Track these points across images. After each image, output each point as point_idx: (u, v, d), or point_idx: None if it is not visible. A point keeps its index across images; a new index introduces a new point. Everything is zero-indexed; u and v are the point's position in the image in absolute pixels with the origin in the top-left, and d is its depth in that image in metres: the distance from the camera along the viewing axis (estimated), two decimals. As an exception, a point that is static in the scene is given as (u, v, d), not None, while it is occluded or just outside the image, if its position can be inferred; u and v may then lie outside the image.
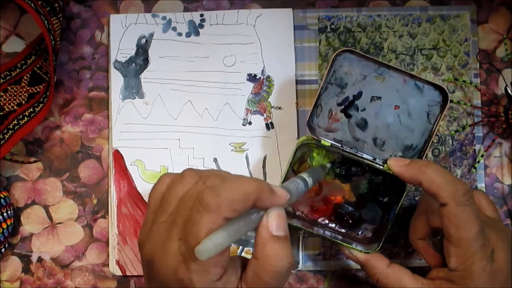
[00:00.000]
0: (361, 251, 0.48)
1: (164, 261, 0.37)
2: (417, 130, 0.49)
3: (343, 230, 0.51)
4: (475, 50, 0.56)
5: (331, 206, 0.51)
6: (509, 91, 0.54)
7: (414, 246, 0.49)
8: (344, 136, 0.50)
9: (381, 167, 0.48)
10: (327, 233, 0.50)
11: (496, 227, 0.46)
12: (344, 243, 0.48)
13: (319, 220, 0.51)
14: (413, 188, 0.55)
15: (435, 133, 0.49)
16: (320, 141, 0.49)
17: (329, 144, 0.49)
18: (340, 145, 0.50)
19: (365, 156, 0.49)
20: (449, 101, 0.48)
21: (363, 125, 0.50)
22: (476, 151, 0.56)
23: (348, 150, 0.49)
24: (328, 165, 0.50)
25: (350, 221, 0.51)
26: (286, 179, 0.49)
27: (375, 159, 0.49)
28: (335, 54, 0.48)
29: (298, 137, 0.55)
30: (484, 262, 0.42)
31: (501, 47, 0.57)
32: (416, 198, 0.55)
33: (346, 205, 0.51)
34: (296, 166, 0.51)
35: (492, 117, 0.55)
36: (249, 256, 0.54)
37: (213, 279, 0.37)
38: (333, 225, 0.51)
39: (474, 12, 0.57)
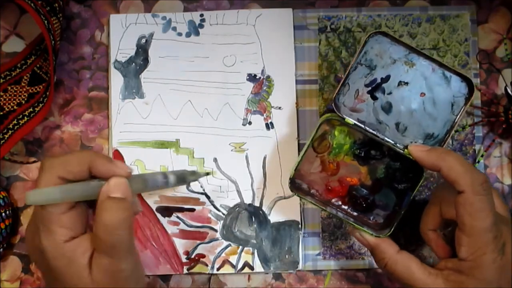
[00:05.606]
0: (372, 234, 0.48)
1: (28, 232, 0.43)
2: (440, 120, 0.50)
3: (355, 213, 0.51)
4: (475, 50, 0.56)
5: (346, 188, 0.52)
6: (509, 91, 0.54)
7: (425, 237, 0.49)
8: (367, 117, 0.50)
9: (402, 151, 0.49)
10: (340, 214, 0.50)
11: (507, 223, 0.46)
12: (356, 225, 0.49)
13: (333, 200, 0.52)
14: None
15: (457, 124, 0.49)
16: (344, 119, 0.49)
17: (353, 123, 0.50)
18: (363, 125, 0.50)
19: (386, 139, 0.50)
20: (474, 94, 0.49)
21: (387, 108, 0.50)
22: (476, 151, 0.56)
23: (370, 131, 0.50)
24: (201, 175, 0.51)
25: (364, 205, 0.51)
26: (305, 155, 0.49)
27: (395, 144, 0.49)
28: (368, 35, 0.49)
29: (298, 137, 0.55)
30: (495, 254, 0.43)
31: (501, 47, 0.57)
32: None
33: (361, 188, 0.52)
34: (316, 143, 0.51)
35: (492, 117, 0.55)
36: (249, 256, 0.55)
37: (61, 239, 0.40)
38: (346, 207, 0.52)
39: (474, 12, 0.57)
